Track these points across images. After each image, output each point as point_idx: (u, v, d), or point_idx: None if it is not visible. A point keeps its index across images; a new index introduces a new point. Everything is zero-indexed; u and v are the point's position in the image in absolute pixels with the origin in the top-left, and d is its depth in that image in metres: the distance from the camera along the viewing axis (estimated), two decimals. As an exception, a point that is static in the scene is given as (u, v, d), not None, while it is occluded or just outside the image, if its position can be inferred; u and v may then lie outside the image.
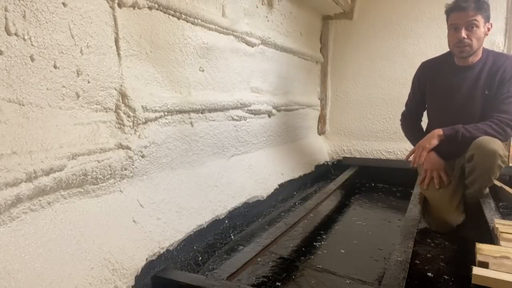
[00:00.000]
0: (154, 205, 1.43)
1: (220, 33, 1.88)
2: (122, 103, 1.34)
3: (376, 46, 3.17)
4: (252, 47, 2.19)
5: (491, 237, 1.48)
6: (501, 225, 1.48)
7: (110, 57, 1.29)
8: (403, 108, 2.27)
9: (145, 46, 1.44)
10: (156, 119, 1.49)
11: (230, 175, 1.98)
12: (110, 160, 1.26)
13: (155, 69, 1.51)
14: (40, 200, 1.05)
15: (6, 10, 0.97)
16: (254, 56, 2.24)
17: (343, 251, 1.74)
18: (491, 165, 1.70)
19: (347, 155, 3.31)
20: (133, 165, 1.38)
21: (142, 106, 1.39)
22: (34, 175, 0.99)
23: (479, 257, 1.24)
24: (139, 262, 1.23)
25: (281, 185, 2.42)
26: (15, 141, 0.98)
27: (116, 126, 1.33)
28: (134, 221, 1.31)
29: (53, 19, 1.09)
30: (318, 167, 3.06)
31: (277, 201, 2.38)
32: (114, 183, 1.31)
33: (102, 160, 1.22)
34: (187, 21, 1.64)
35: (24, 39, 1.02)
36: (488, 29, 1.84)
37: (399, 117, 2.28)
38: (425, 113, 2.20)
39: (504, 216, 1.75)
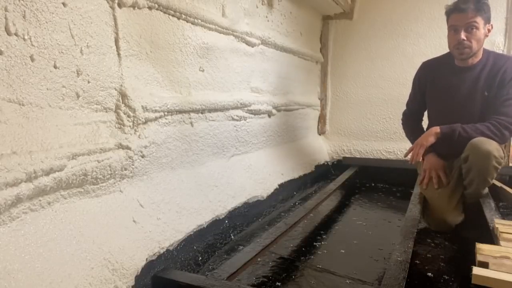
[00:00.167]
0: (154, 205, 1.43)
1: (220, 33, 1.88)
2: (122, 103, 1.34)
3: (376, 46, 3.17)
4: (252, 47, 2.19)
5: (491, 237, 1.48)
6: (501, 225, 1.48)
7: (110, 57, 1.29)
8: (403, 108, 2.27)
9: (145, 46, 1.44)
10: (156, 119, 1.49)
11: (230, 175, 1.98)
12: (110, 160, 1.26)
13: (155, 69, 1.51)
14: (40, 200, 1.05)
15: (6, 10, 0.97)
16: (254, 56, 2.24)
17: (343, 251, 1.74)
18: (486, 166, 1.70)
19: (347, 155, 3.31)
20: (133, 165, 1.38)
21: (142, 106, 1.39)
22: (34, 175, 0.99)
23: (479, 257, 1.24)
24: (139, 262, 1.23)
25: (281, 185, 2.42)
26: (15, 141, 0.98)
27: (116, 126, 1.33)
28: (134, 221, 1.31)
29: (53, 19, 1.09)
30: (318, 167, 3.06)
31: (277, 201, 2.38)
32: (114, 183, 1.31)
33: (102, 160, 1.23)
34: (187, 21, 1.64)
35: (24, 39, 1.02)
36: (489, 30, 1.83)
37: (399, 117, 2.29)
38: (425, 113, 2.20)
39: (504, 216, 1.75)
